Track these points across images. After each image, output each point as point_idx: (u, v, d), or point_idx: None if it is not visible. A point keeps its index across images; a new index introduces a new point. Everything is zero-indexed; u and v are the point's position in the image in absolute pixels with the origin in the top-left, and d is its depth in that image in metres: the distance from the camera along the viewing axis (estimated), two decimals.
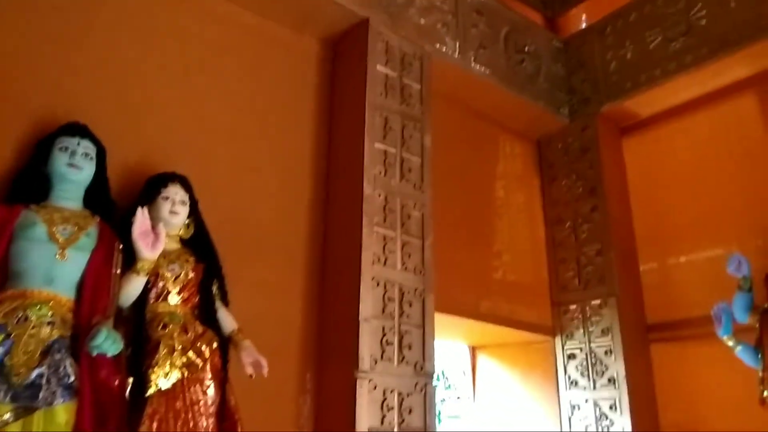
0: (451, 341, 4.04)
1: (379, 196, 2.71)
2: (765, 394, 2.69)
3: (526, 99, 3.71)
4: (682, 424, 3.30)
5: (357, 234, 2.58)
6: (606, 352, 3.38)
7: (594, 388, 3.38)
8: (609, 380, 3.33)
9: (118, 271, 1.85)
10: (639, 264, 3.67)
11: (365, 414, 2.31)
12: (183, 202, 2.11)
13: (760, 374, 2.73)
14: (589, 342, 3.47)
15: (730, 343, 2.81)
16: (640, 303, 3.59)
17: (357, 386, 2.32)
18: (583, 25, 4.11)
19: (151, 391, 1.81)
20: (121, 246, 1.89)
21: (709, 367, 3.22)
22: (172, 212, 2.06)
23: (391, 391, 2.42)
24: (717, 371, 3.17)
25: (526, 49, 3.80)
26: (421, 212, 2.86)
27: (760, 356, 2.75)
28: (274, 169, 2.76)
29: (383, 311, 2.53)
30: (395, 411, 2.40)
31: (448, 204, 3.36)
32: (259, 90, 2.82)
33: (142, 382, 1.82)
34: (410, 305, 2.63)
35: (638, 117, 3.83)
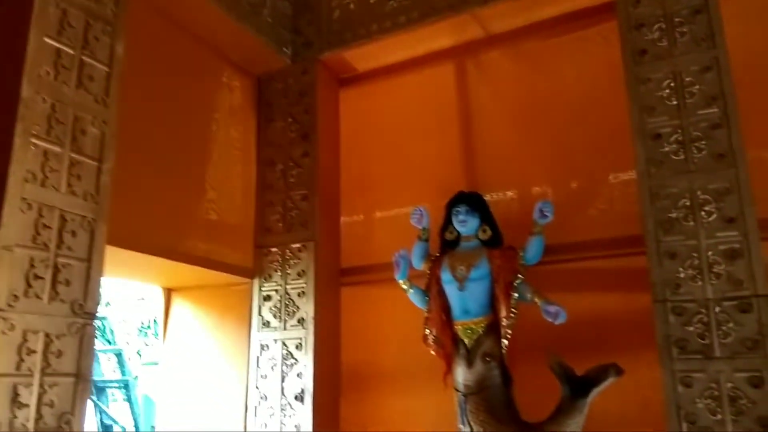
0: (141, 282, 3.71)
1: (44, 101, 2.24)
2: (427, 332, 2.99)
3: (247, 30, 3.49)
4: (361, 361, 3.55)
5: (7, 143, 2.10)
6: (299, 294, 3.44)
7: (284, 328, 3.43)
8: (298, 321, 3.40)
9: None
10: (340, 212, 3.80)
11: None
12: None
13: (426, 314, 3.02)
14: (286, 284, 3.50)
15: (405, 287, 3.06)
16: (336, 248, 3.73)
17: None
18: None
19: None
20: None
21: (389, 309, 3.50)
22: None
23: (35, 333, 2.05)
24: (395, 313, 3.46)
25: None
26: (102, 130, 2.46)
27: (427, 299, 3.04)
28: None
29: (34, 240, 2.12)
30: (38, 355, 2.04)
31: (142, 127, 3.00)
32: None
33: None
34: (74, 235, 2.25)
35: (355, 70, 3.92)
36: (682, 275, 2.50)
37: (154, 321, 12.48)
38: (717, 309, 2.40)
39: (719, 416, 2.32)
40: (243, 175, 3.71)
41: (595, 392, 2.57)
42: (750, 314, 2.34)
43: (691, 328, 2.44)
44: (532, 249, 2.85)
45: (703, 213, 2.51)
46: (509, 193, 3.35)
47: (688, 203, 2.54)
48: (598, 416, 2.69)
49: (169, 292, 3.84)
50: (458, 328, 2.93)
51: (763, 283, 2.35)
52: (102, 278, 2.36)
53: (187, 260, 3.25)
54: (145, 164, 3.03)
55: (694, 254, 2.49)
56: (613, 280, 2.96)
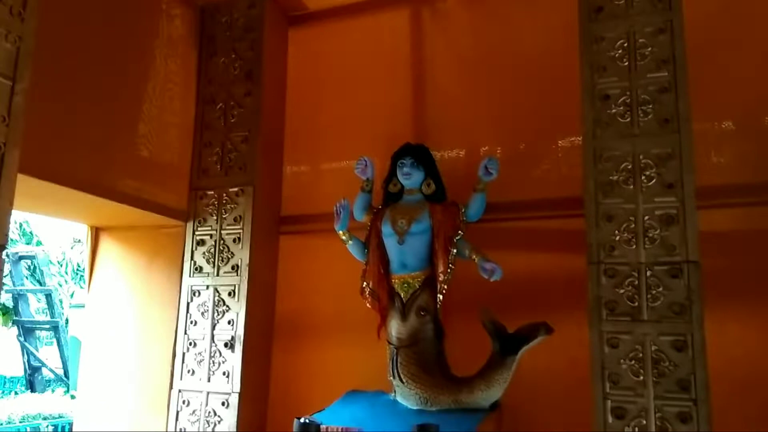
0: (65, 219, 3.50)
1: None
2: (364, 285, 2.94)
3: None
4: (296, 311, 3.48)
5: None
6: (235, 240, 3.32)
7: (217, 274, 3.31)
8: (233, 267, 3.29)
9: None
10: (283, 157, 3.66)
11: None
12: None
13: (364, 267, 2.96)
14: (221, 229, 3.36)
15: (344, 237, 2.98)
16: (276, 195, 3.61)
17: None
18: None
19: None
20: None
21: (327, 260, 3.43)
22: None
23: None
24: (332, 265, 3.39)
25: None
26: (17, 46, 2.22)
27: (366, 251, 2.98)
28: None
29: None
30: None
31: (66, 48, 2.75)
32: None
33: None
34: None
35: (306, 8, 3.72)
36: (617, 238, 2.50)
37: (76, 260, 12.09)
38: (648, 273, 2.43)
39: (641, 377, 2.36)
40: (180, 112, 3.50)
41: (525, 349, 2.59)
42: (679, 279, 2.37)
43: (621, 291, 2.46)
44: (474, 206, 2.81)
45: (643, 177, 2.50)
46: (456, 149, 3.28)
47: (629, 167, 2.53)
48: (526, 373, 2.72)
49: (96, 232, 3.64)
50: (395, 281, 2.89)
51: (695, 249, 2.37)
52: (11, 208, 2.17)
53: (114, 197, 3.06)
54: (69, 90, 2.79)
55: (631, 218, 2.49)
56: (551, 241, 2.97)
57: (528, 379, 2.82)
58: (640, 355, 2.38)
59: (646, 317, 2.40)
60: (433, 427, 2.27)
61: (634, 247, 2.47)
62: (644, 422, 2.33)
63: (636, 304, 2.42)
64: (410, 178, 2.97)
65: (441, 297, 2.78)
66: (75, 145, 2.83)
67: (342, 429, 2.48)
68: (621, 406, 2.38)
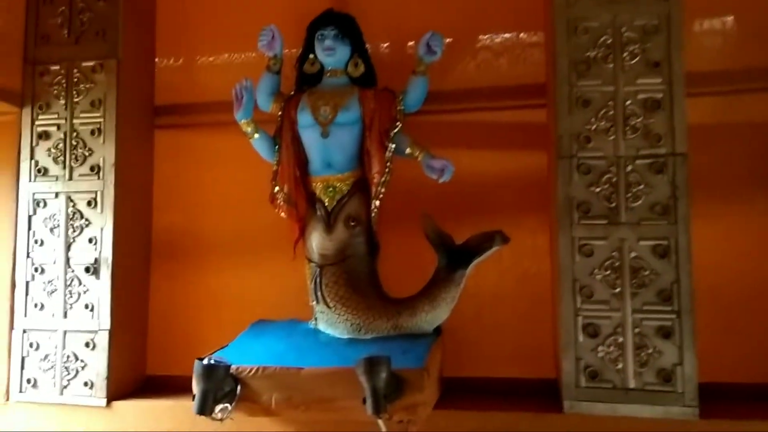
0: None
1: None
2: (276, 190, 2.31)
3: None
4: (180, 225, 2.76)
5: None
6: (93, 132, 2.47)
7: (70, 178, 2.48)
8: (91, 168, 2.46)
9: None
10: (156, 22, 2.79)
11: None
12: None
13: (275, 167, 2.33)
14: (72, 117, 2.50)
15: (248, 130, 2.30)
16: (149, 74, 2.75)
17: None
18: None
19: None
20: None
21: (221, 160, 2.72)
22: None
23: None
24: (228, 166, 2.70)
25: None
26: None
27: (277, 148, 2.33)
28: None
29: None
30: None
31: None
32: None
33: None
34: None
35: None
36: (593, 128, 2.10)
37: None
38: (629, 168, 2.06)
39: (618, 289, 2.03)
40: None
41: (477, 262, 2.15)
42: (664, 175, 2.03)
43: (597, 190, 2.08)
44: (414, 92, 2.26)
45: (625, 54, 2.09)
46: (383, 27, 2.63)
47: (609, 41, 2.11)
48: (470, 290, 2.31)
49: None
50: (317, 185, 2.30)
51: (683, 139, 2.03)
52: None
53: None
54: None
55: (610, 103, 2.09)
56: (503, 135, 2.49)
57: (472, 297, 2.42)
58: (617, 263, 2.05)
59: (624, 219, 2.05)
60: (383, 359, 1.77)
61: (613, 137, 2.08)
62: (621, 339, 2.02)
63: (613, 204, 2.06)
64: (333, 54, 2.33)
65: (377, 204, 2.24)
66: None
67: (262, 368, 1.90)
68: (594, 322, 2.05)
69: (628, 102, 2.07)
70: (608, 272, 2.04)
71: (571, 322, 2.05)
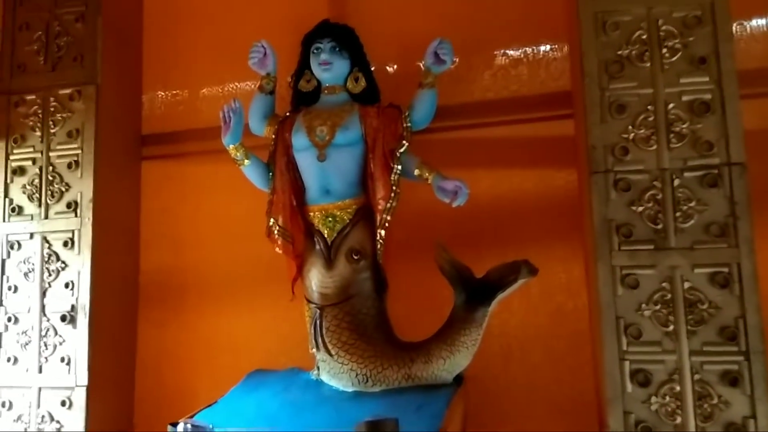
0: None
1: None
2: (271, 222, 2.05)
3: None
4: (171, 266, 2.50)
5: None
6: (70, 165, 2.25)
7: (45, 216, 2.25)
8: (68, 205, 2.23)
9: None
10: (142, 44, 2.58)
11: None
12: None
13: (270, 197, 2.07)
14: (48, 150, 2.29)
15: (237, 156, 2.06)
16: (135, 102, 2.55)
17: None
18: None
19: None
20: None
21: (212, 193, 2.49)
22: None
23: None
24: (220, 199, 2.47)
25: None
26: None
27: (270, 175, 2.09)
28: None
29: None
30: None
31: None
32: None
33: None
34: None
35: None
36: (631, 137, 1.79)
37: None
38: (676, 182, 1.74)
39: (671, 327, 1.70)
40: None
41: (501, 297, 1.85)
42: (719, 189, 1.72)
43: (640, 209, 1.76)
44: (423, 107, 2.02)
45: (665, 51, 1.80)
46: (388, 35, 2.38)
47: (644, 36, 1.82)
48: (494, 330, 2.01)
49: None
50: (315, 214, 2.04)
51: (739, 147, 1.72)
52: None
53: None
54: None
55: (650, 107, 1.79)
56: (525, 151, 2.20)
57: (497, 339, 2.11)
58: (668, 296, 1.72)
59: (674, 244, 1.73)
60: (389, 422, 1.46)
61: (655, 147, 1.78)
62: (678, 388, 1.68)
63: (660, 226, 1.74)
64: (330, 69, 2.10)
65: (382, 234, 1.96)
66: None
67: None
68: (644, 368, 1.71)
69: (671, 105, 1.78)
70: (658, 307, 1.71)
71: (617, 368, 1.72)
